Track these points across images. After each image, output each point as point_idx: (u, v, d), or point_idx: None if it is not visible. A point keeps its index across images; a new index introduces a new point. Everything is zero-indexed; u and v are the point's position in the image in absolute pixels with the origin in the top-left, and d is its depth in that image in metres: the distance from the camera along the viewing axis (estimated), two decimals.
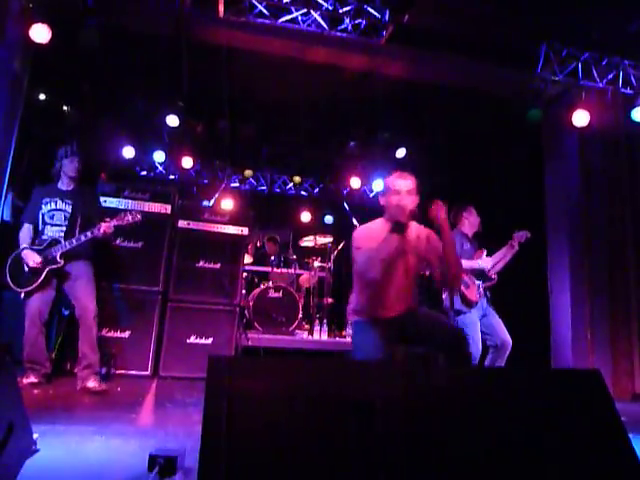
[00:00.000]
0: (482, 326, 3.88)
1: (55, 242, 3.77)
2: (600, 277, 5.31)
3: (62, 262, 3.74)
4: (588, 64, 5.11)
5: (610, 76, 5.18)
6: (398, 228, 2.63)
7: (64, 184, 3.98)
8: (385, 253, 2.60)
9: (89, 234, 3.74)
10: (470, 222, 4.09)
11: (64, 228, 3.85)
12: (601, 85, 5.17)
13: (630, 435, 1.65)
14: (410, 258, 2.74)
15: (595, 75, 5.13)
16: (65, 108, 6.46)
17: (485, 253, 4.05)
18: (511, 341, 3.85)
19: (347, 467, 1.30)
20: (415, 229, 2.80)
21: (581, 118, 5.06)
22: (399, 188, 2.70)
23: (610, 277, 5.35)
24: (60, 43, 4.39)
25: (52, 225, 3.85)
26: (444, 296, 3.96)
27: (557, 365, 5.21)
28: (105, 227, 3.74)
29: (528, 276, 5.61)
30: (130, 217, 3.85)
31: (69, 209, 3.90)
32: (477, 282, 3.91)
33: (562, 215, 5.50)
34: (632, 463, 1.56)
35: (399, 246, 2.66)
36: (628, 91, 5.22)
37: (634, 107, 5.04)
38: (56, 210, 3.88)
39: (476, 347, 3.77)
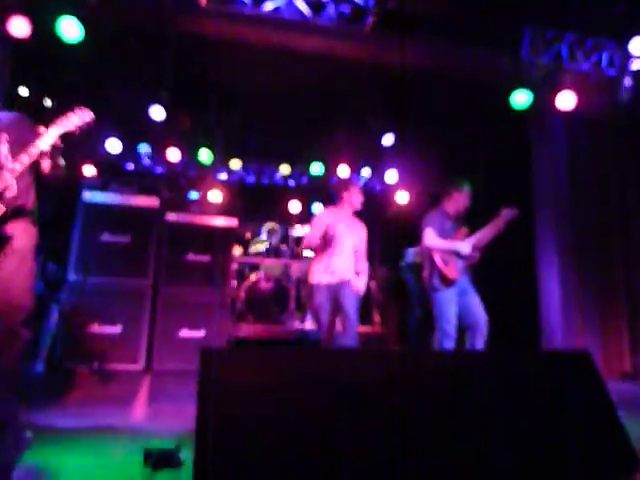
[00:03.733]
0: (459, 304, 3.85)
1: None
2: (588, 259, 5.37)
3: (3, 208, 2.33)
4: (572, 46, 5.11)
5: (594, 58, 5.18)
6: (356, 215, 3.98)
7: None
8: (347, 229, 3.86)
9: (26, 157, 2.36)
10: (457, 203, 4.03)
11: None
12: (585, 67, 5.17)
13: (620, 413, 1.67)
14: (355, 237, 3.92)
15: (579, 57, 5.14)
16: (47, 101, 6.34)
17: (466, 232, 4.01)
18: (486, 321, 3.77)
19: (337, 452, 1.30)
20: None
21: (567, 101, 5.07)
22: (359, 193, 4.04)
23: (598, 259, 5.41)
24: (41, 35, 4.30)
25: None
26: (425, 274, 3.97)
27: (547, 346, 5.28)
28: (50, 137, 2.41)
29: (517, 259, 5.66)
30: (78, 118, 2.51)
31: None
32: (457, 260, 3.87)
33: (550, 198, 5.54)
34: (622, 440, 1.58)
35: (354, 226, 3.94)
36: (612, 72, 5.23)
37: (619, 88, 5.06)
38: None
39: (449, 324, 3.73)
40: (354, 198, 3.96)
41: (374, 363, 1.59)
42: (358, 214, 4.09)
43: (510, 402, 1.57)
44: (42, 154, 2.44)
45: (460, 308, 3.83)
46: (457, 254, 3.89)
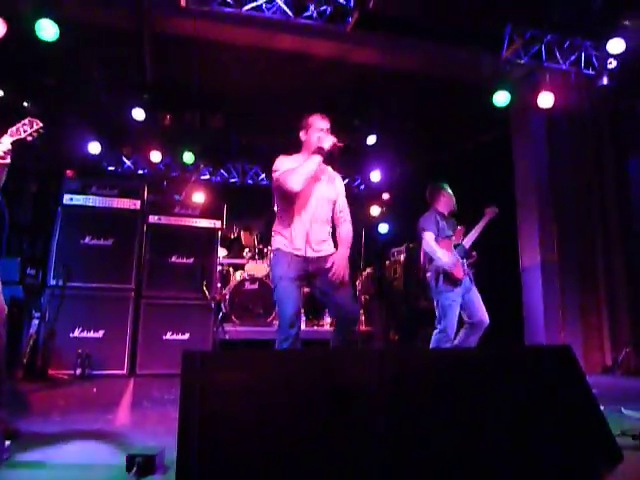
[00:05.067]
0: (462, 303, 3.91)
1: None
2: (570, 255, 5.45)
3: None
4: (551, 46, 5.18)
5: (572, 57, 5.26)
6: (319, 152, 2.85)
7: None
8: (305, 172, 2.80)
9: None
10: (445, 201, 4.13)
11: None
12: (564, 67, 5.25)
13: (601, 406, 1.70)
14: (323, 188, 2.94)
15: (558, 57, 5.21)
16: (25, 104, 6.23)
17: (464, 230, 4.10)
18: (488, 320, 3.89)
19: (324, 453, 1.30)
20: (330, 170, 3.07)
21: (546, 100, 5.15)
22: (321, 127, 2.98)
23: (579, 255, 5.49)
24: (18, 37, 4.23)
25: None
26: (428, 275, 3.97)
27: (530, 341, 5.34)
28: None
29: (500, 254, 5.72)
30: (27, 127, 2.60)
31: None
32: (460, 260, 3.95)
33: (531, 195, 5.61)
34: (604, 432, 1.60)
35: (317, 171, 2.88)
36: (590, 72, 5.32)
37: (597, 87, 5.15)
38: None
39: (451, 327, 3.80)
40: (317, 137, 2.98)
41: (361, 363, 1.59)
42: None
43: (493, 397, 1.58)
44: None
45: (463, 306, 3.90)
46: (461, 253, 3.96)
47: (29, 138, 2.61)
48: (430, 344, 3.92)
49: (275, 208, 3.12)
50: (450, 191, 4.20)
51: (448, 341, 3.78)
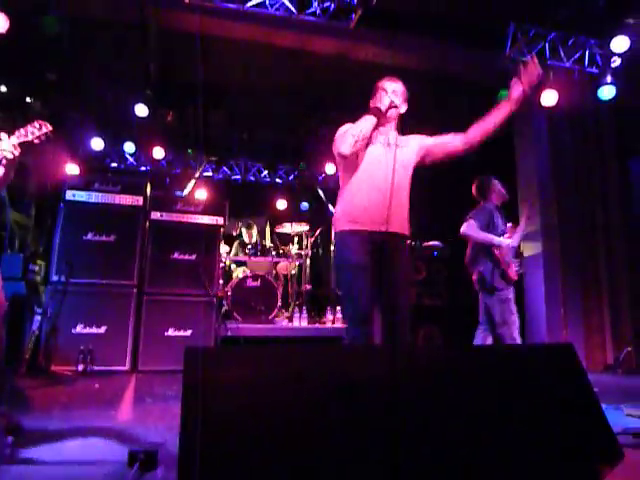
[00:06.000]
0: None
1: None
2: (572, 255, 5.44)
3: None
4: (555, 44, 5.17)
5: (576, 56, 5.25)
6: (374, 112, 2.52)
7: None
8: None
9: None
10: (498, 191, 3.96)
11: None
12: (568, 65, 5.23)
13: (602, 405, 1.70)
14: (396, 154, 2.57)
15: (562, 55, 5.20)
16: (28, 99, 6.24)
17: (511, 225, 4.01)
18: None
19: (329, 452, 1.30)
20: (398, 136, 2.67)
21: (549, 98, 5.13)
22: (386, 88, 2.64)
23: (582, 255, 5.49)
24: (20, 32, 4.22)
25: None
26: (481, 269, 3.77)
27: (532, 340, 5.34)
28: (6, 144, 2.51)
29: None
30: (35, 129, 2.66)
31: None
32: (514, 260, 3.89)
33: (533, 193, 5.60)
34: (604, 431, 1.60)
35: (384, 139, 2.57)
36: (594, 70, 5.30)
37: (600, 86, 5.13)
38: None
39: (517, 331, 3.71)
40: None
41: (363, 361, 1.59)
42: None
43: (494, 395, 1.58)
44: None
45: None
46: (515, 254, 3.89)
47: (36, 141, 2.64)
48: (474, 341, 3.87)
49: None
50: (499, 182, 4.03)
51: (512, 339, 3.67)
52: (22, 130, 2.61)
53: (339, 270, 2.70)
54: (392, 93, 2.62)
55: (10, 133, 2.55)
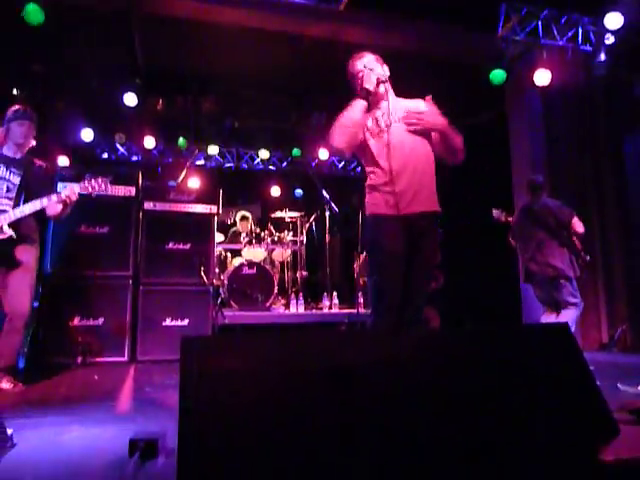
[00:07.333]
0: None
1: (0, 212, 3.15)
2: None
3: (10, 233, 3.09)
4: (548, 22, 5.11)
5: (570, 34, 5.20)
6: (362, 95, 2.40)
7: (11, 150, 3.34)
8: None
9: (45, 201, 3.12)
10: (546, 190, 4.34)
11: (5, 201, 3.20)
12: (561, 43, 5.19)
13: (598, 383, 1.71)
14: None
15: (555, 33, 5.15)
16: (15, 92, 6.14)
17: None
18: None
19: (325, 437, 1.31)
20: (412, 103, 2.56)
21: (543, 77, 5.10)
22: (360, 68, 2.51)
23: None
24: (5, 22, 4.14)
25: None
26: (561, 257, 3.99)
27: (528, 320, 5.38)
28: (69, 192, 3.10)
29: (497, 235, 5.72)
30: (97, 185, 3.19)
31: (15, 180, 3.25)
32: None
33: (528, 175, 5.58)
34: (600, 407, 1.62)
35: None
36: (587, 48, 5.26)
37: (594, 63, 5.10)
38: None
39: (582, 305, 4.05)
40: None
41: (361, 345, 1.59)
42: None
43: (491, 375, 1.59)
44: (54, 204, 3.13)
45: None
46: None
47: (94, 195, 3.22)
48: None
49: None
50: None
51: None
52: (87, 182, 3.20)
53: (370, 255, 2.60)
54: (369, 70, 2.47)
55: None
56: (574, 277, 3.93)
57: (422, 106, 2.55)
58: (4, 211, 3.16)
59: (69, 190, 3.11)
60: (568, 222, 3.95)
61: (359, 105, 2.40)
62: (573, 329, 3.92)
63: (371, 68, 2.47)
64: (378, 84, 2.45)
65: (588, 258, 4.04)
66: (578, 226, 3.96)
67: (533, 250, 4.05)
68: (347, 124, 2.37)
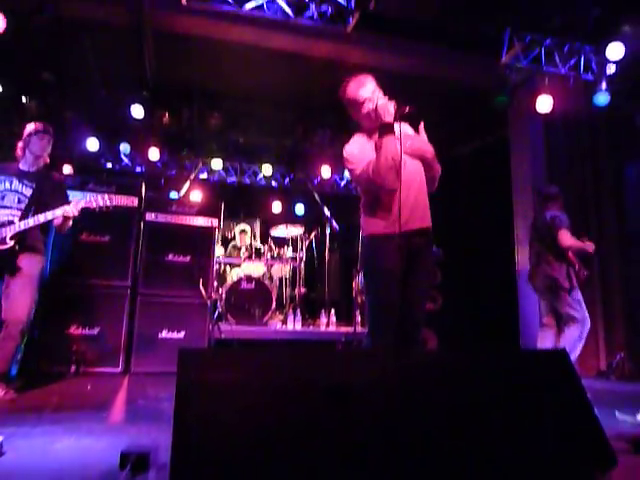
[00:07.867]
0: None
1: (8, 223, 3.26)
2: None
3: (12, 243, 3.21)
4: (551, 50, 5.19)
5: (572, 62, 5.28)
6: (387, 130, 2.35)
7: (27, 164, 3.49)
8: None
9: (50, 214, 3.26)
10: (559, 202, 4.22)
11: (15, 212, 3.31)
12: (563, 71, 5.26)
13: (596, 411, 1.70)
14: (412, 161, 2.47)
15: (557, 61, 5.22)
16: (24, 100, 6.21)
17: None
18: None
19: (322, 453, 1.30)
20: (408, 128, 2.54)
21: (545, 104, 5.16)
22: (367, 95, 2.48)
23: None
24: (17, 32, 4.21)
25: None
26: (558, 268, 3.99)
27: (526, 345, 5.35)
28: (72, 207, 3.25)
29: (497, 259, 5.73)
30: (101, 200, 3.32)
31: (27, 192, 3.39)
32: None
33: (528, 198, 5.62)
34: (598, 436, 1.61)
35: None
36: (589, 76, 5.34)
37: (596, 92, 5.17)
38: (9, 191, 3.36)
39: (589, 323, 3.97)
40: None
41: (357, 363, 1.59)
42: None
43: (488, 400, 1.58)
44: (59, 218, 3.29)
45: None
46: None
47: (97, 210, 3.34)
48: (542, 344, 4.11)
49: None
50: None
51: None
52: (92, 198, 3.33)
53: (367, 276, 2.57)
54: (375, 94, 2.48)
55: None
56: (569, 288, 3.93)
57: (410, 130, 2.57)
58: (12, 222, 3.29)
59: (72, 206, 3.27)
60: (555, 236, 3.98)
61: (392, 142, 2.34)
62: (580, 345, 3.92)
63: (384, 100, 2.43)
64: (398, 114, 2.38)
65: (585, 273, 4.02)
66: (563, 240, 3.94)
67: (535, 261, 4.15)
68: (391, 165, 2.32)
